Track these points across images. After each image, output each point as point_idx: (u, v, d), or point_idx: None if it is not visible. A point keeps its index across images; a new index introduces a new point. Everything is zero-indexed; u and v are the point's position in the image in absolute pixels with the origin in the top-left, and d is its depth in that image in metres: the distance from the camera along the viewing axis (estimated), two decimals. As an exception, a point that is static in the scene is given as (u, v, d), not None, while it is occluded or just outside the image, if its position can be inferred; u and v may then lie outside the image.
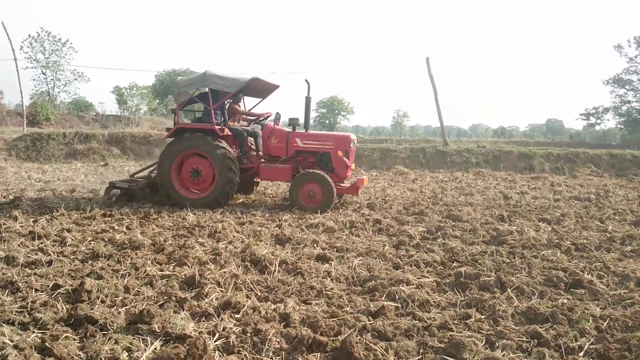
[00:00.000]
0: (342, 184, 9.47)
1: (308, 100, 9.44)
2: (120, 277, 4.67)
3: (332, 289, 4.53)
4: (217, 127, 9.12)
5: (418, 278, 4.88)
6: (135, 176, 10.28)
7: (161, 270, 4.92)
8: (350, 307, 4.15)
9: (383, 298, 4.31)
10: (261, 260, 5.24)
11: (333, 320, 3.80)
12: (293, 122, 9.50)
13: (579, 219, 8.44)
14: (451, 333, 3.56)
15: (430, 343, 3.41)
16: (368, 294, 4.46)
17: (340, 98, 72.12)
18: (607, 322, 3.90)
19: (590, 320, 3.92)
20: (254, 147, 10.11)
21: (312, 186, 8.91)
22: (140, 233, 6.41)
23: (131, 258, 5.29)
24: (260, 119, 10.31)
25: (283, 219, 7.65)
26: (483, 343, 3.46)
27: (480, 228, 7.37)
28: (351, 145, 9.60)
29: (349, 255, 5.73)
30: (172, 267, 5.07)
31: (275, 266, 5.10)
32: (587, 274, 5.12)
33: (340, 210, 8.83)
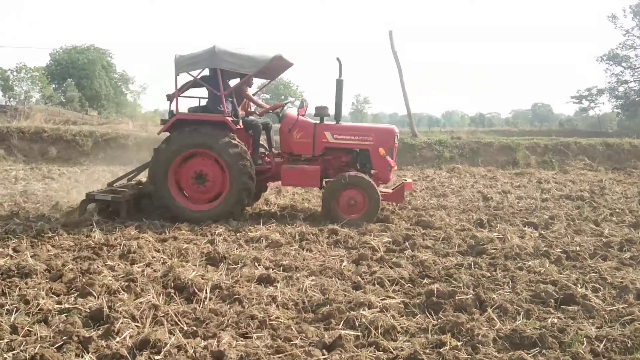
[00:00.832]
0: (383, 190, 9.37)
1: (340, 83, 9.26)
2: (6, 314, 4.47)
3: (278, 317, 4.52)
4: (229, 118, 8.83)
5: (382, 299, 4.93)
6: (115, 185, 9.56)
7: (59, 302, 4.75)
8: (301, 339, 4.15)
9: (340, 326, 4.33)
10: (188, 286, 5.15)
11: (279, 357, 3.79)
12: (321, 112, 9.31)
13: (571, 222, 8.81)
14: (422, 365, 3.63)
15: (397, 379, 3.46)
16: (322, 322, 4.48)
17: (287, 81, 72.28)
18: (603, 343, 4.07)
19: (585, 342, 4.08)
20: (261, 143, 9.86)
21: (352, 193, 8.77)
22: (31, 256, 6.16)
23: (19, 289, 5.07)
24: (277, 109, 9.93)
25: (216, 232, 7.56)
26: (460, 376, 3.54)
27: (455, 236, 7.54)
28: (395, 141, 9.52)
29: (298, 275, 5.73)
30: (73, 298, 4.91)
31: (206, 292, 5.02)
32: (581, 287, 5.32)
33: (288, 219, 8.82)
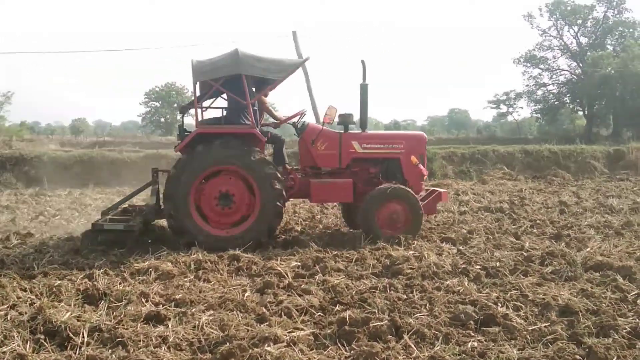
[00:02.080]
0: None
1: (364, 88, 9.29)
2: None
3: (170, 360, 4.41)
4: (258, 131, 8.68)
5: (290, 332, 4.91)
6: (110, 212, 9.20)
7: None
8: (197, 384, 4.05)
9: (242, 366, 4.28)
10: (61, 330, 4.89)
11: (171, 407, 3.68)
12: (346, 120, 9.29)
13: (490, 236, 9.21)
14: (333, 405, 3.64)
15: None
16: (221, 363, 4.41)
17: (181, 86, 71.10)
18: (525, 365, 4.28)
19: (506, 366, 4.27)
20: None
21: (394, 207, 8.86)
22: None
23: None
24: (296, 119, 9.71)
25: (95, 265, 7.27)
26: (375, 413, 3.58)
27: (369, 256, 7.66)
28: (425, 148, 9.72)
29: (194, 310, 5.59)
30: None
31: (83, 337, 4.80)
32: (501, 307, 5.56)
33: (180, 245, 8.63)
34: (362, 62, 9.35)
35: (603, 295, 5.97)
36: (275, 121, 10.01)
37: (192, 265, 7.27)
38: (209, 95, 9.43)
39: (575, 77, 52.84)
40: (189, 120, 10.37)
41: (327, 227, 10.36)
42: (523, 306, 5.65)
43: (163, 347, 4.68)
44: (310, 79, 24.58)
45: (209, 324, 5.18)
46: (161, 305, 5.71)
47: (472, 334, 4.96)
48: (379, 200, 8.87)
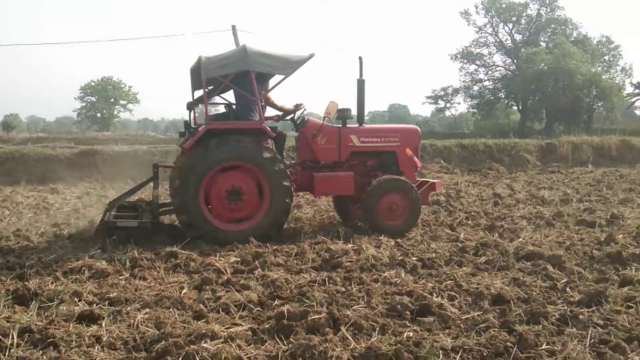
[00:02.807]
0: None
1: (361, 83, 9.53)
2: None
3: (104, 360, 4.31)
4: (267, 126, 8.84)
5: (227, 328, 4.87)
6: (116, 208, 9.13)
7: None
8: (131, 383, 3.98)
9: (178, 363, 4.23)
10: (-11, 332, 4.74)
11: (104, 407, 3.61)
12: (344, 114, 9.48)
13: (427, 228, 9.39)
14: (270, 398, 3.63)
15: (241, 417, 3.44)
16: (157, 361, 4.34)
17: (117, 80, 69.64)
18: (459, 354, 4.36)
19: (441, 355, 4.34)
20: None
21: (394, 198, 9.12)
22: None
23: None
24: (295, 114, 9.90)
25: (27, 264, 7.05)
26: (311, 405, 3.59)
27: (309, 250, 7.69)
28: (419, 141, 10.13)
29: (129, 308, 5.48)
30: None
31: (13, 338, 4.64)
32: (437, 297, 5.69)
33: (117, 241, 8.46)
34: (360, 58, 9.61)
35: (534, 284, 6.18)
36: (276, 116, 10.10)
37: (128, 263, 7.11)
38: (218, 92, 9.49)
39: (510, 73, 54.33)
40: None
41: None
42: (457, 296, 5.78)
43: (96, 347, 4.57)
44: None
45: (144, 322, 5.08)
46: (95, 305, 5.56)
47: (408, 324, 5.02)
48: (379, 192, 9.11)
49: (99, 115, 69.50)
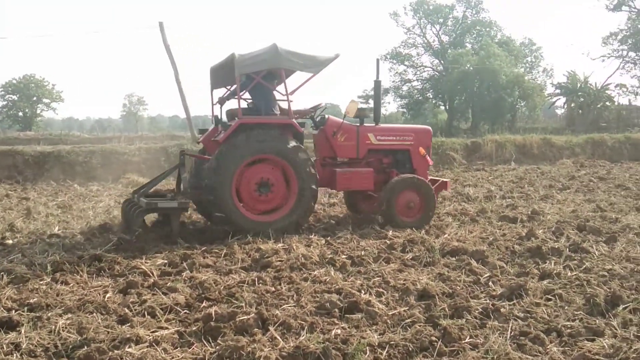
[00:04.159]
0: None
1: (378, 84, 10.04)
2: None
3: (22, 368, 4.16)
4: (295, 121, 9.30)
5: (153, 332, 4.78)
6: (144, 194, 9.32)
7: None
8: (51, 391, 3.85)
9: (101, 369, 4.12)
10: None
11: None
12: (362, 114, 9.96)
13: (357, 227, 9.44)
14: (196, 402, 3.58)
15: (166, 422, 3.38)
16: (79, 367, 4.22)
17: (40, 78, 67.18)
18: (386, 350, 4.43)
19: (368, 352, 4.39)
20: None
21: (410, 195, 9.56)
22: None
23: None
24: (313, 112, 10.33)
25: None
26: (237, 407, 3.57)
27: (239, 250, 7.64)
28: (431, 140, 10.78)
29: (50, 314, 5.30)
30: None
31: None
32: (365, 294, 5.74)
33: (39, 244, 8.17)
34: (377, 60, 10.30)
35: (458, 279, 6.34)
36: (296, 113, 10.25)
37: (49, 268, 6.86)
38: (250, 88, 9.62)
39: (437, 73, 55.42)
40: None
41: (197, 222, 10.17)
42: (385, 292, 5.87)
43: (15, 354, 4.41)
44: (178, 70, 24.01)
45: (66, 327, 4.92)
46: (14, 311, 5.35)
47: (337, 322, 5.05)
48: (397, 189, 9.53)
49: (20, 114, 66.91)
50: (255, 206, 9.11)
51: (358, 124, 10.14)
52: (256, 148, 8.91)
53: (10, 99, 66.81)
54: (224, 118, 10.32)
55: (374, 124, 10.36)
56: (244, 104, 9.80)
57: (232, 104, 10.34)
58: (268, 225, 8.84)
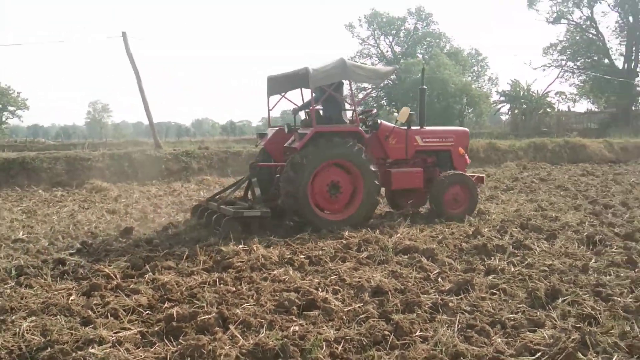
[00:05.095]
0: None
1: (423, 91, 10.54)
2: None
3: (-14, 371, 4.04)
4: (361, 129, 9.70)
5: (116, 332, 4.71)
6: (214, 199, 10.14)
7: None
8: (14, 393, 3.75)
9: (64, 370, 4.03)
10: None
11: (-15, 420, 3.37)
12: (410, 119, 10.30)
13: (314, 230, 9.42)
14: (158, 399, 3.53)
15: (128, 420, 3.32)
16: (42, 368, 4.12)
17: (6, 86, 65.48)
18: (341, 345, 4.45)
19: (324, 347, 4.40)
20: None
21: (457, 190, 10.25)
22: None
23: None
24: (365, 118, 10.79)
25: None
26: (198, 403, 3.53)
27: (200, 252, 7.51)
28: (469, 140, 11.28)
29: (14, 317, 5.16)
30: None
31: None
32: (322, 291, 5.75)
33: (4, 249, 7.94)
34: (422, 69, 11.25)
35: (409, 275, 6.40)
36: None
37: (13, 272, 6.68)
38: (322, 99, 9.98)
39: (390, 82, 55.96)
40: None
41: (160, 225, 10.04)
42: (341, 289, 5.88)
43: (-21, 358, 4.29)
44: (141, 78, 23.78)
45: (30, 330, 4.80)
46: (-22, 315, 5.21)
47: (295, 319, 5.06)
48: (446, 184, 10.16)
49: (-14, 121, 65.22)
50: (327, 206, 9.58)
51: (406, 128, 10.49)
52: (328, 154, 9.32)
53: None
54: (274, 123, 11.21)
55: (419, 127, 10.80)
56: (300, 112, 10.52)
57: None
58: (343, 222, 9.27)
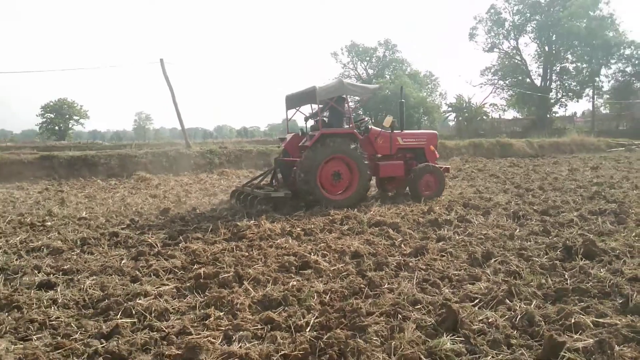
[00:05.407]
0: None
1: (402, 104, 10.90)
2: None
3: (58, 317, 4.02)
4: (356, 131, 9.90)
5: (157, 287, 4.69)
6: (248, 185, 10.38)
7: None
8: (80, 333, 3.74)
9: (118, 316, 4.01)
10: (-42, 302, 4.27)
11: (59, 353, 3.37)
12: (392, 125, 10.66)
13: (309, 208, 9.40)
14: (189, 337, 3.53)
15: (167, 352, 3.32)
16: (101, 315, 4.10)
17: (71, 101, 64.88)
18: (328, 295, 4.44)
19: (315, 296, 4.41)
20: None
21: (429, 177, 10.41)
22: None
23: None
24: (360, 124, 10.84)
25: (-7, 246, 6.41)
26: (220, 340, 3.53)
27: (221, 227, 7.51)
28: (438, 140, 11.40)
29: (79, 276, 5.15)
30: None
31: (-20, 305, 4.23)
32: (314, 255, 5.74)
33: (71, 225, 7.90)
34: (401, 87, 11.81)
35: (380, 243, 6.40)
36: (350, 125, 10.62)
37: (79, 242, 6.65)
38: (327, 108, 10.31)
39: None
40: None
41: (193, 207, 9.99)
42: (328, 254, 5.87)
43: (53, 307, 4.27)
44: (175, 94, 23.55)
45: (91, 286, 4.79)
46: (52, 275, 5.18)
47: (293, 276, 5.06)
48: (420, 173, 10.35)
49: (56, 128, 64.46)
50: (331, 190, 9.68)
51: (390, 131, 10.72)
52: (331, 150, 9.46)
53: (48, 116, 64.53)
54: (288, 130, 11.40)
55: (400, 130, 10.96)
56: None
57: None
58: (344, 202, 9.43)
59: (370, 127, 10.80)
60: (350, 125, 10.12)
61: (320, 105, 10.15)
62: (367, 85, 10.90)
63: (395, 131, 10.81)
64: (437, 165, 10.78)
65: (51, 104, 64.16)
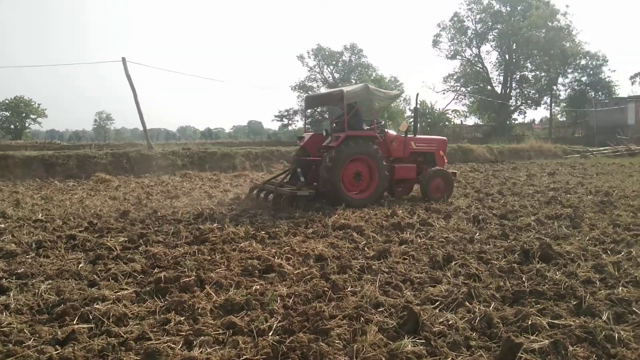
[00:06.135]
0: None
1: (416, 110, 11.47)
2: None
3: (10, 323, 3.85)
4: (377, 134, 10.27)
5: (116, 292, 4.57)
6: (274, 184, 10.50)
7: None
8: (34, 339, 3.60)
9: (74, 322, 3.88)
10: None
11: (9, 361, 3.23)
12: (407, 129, 11.06)
13: (273, 211, 9.39)
14: (149, 342, 3.45)
15: (125, 358, 3.25)
16: (57, 321, 3.96)
17: (28, 99, 62.50)
18: (292, 299, 4.43)
19: (279, 300, 4.38)
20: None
21: (439, 180, 10.79)
22: None
23: None
24: (378, 126, 10.95)
25: (-60, 250, 6.10)
26: (181, 345, 3.47)
27: (183, 230, 7.39)
28: (447, 146, 11.85)
29: (34, 280, 4.96)
30: None
31: None
32: (278, 259, 5.71)
33: (26, 227, 7.60)
34: (417, 94, 11.84)
35: (344, 246, 6.43)
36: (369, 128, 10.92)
37: (34, 245, 6.40)
38: (353, 112, 10.44)
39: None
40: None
41: (153, 209, 9.79)
42: (292, 257, 5.86)
43: (5, 313, 4.10)
44: (137, 93, 23.09)
45: (47, 291, 4.62)
46: (4, 279, 4.96)
47: (257, 280, 5.02)
48: (431, 176, 10.74)
49: (12, 127, 62.02)
50: (352, 189, 10.02)
51: (404, 135, 11.08)
52: (355, 151, 9.80)
53: (3, 115, 62.12)
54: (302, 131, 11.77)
55: (413, 135, 11.35)
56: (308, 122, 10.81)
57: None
58: (364, 201, 9.80)
59: (386, 130, 11.17)
60: (373, 127, 10.53)
61: (332, 107, 10.72)
62: (389, 92, 11.58)
63: (409, 136, 11.22)
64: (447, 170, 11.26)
65: (6, 101, 61.67)
